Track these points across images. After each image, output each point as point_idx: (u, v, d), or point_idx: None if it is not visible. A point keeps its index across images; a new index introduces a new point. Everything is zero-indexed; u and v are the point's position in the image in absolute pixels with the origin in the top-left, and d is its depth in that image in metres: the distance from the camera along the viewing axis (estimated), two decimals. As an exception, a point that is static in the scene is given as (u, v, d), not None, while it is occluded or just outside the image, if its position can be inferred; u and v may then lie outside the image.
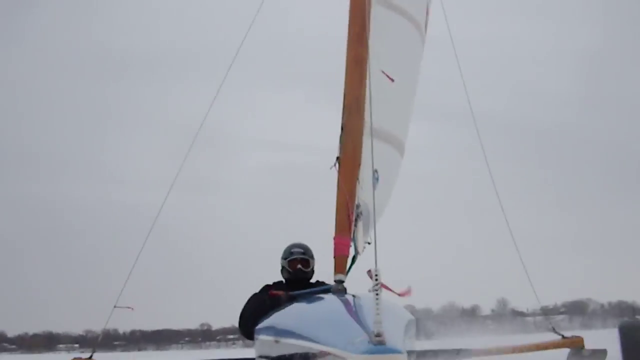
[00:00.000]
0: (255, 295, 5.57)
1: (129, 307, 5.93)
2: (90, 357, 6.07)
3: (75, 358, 6.05)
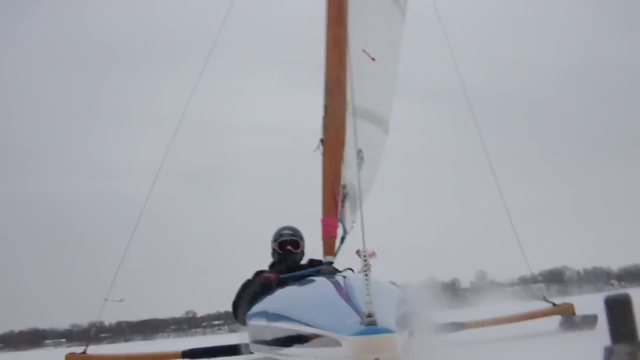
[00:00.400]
0: (247, 280, 5.57)
1: (118, 300, 5.90)
2: (84, 351, 6.05)
3: (69, 354, 6.02)
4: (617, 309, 2.70)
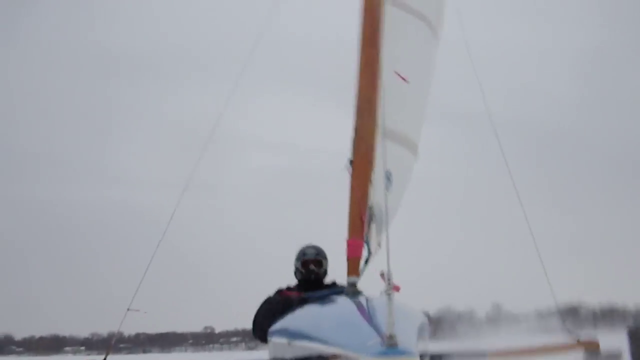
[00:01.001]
0: (268, 298, 5.57)
1: (142, 311, 5.90)
2: (104, 359, 6.05)
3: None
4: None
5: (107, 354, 6.10)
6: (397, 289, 4.64)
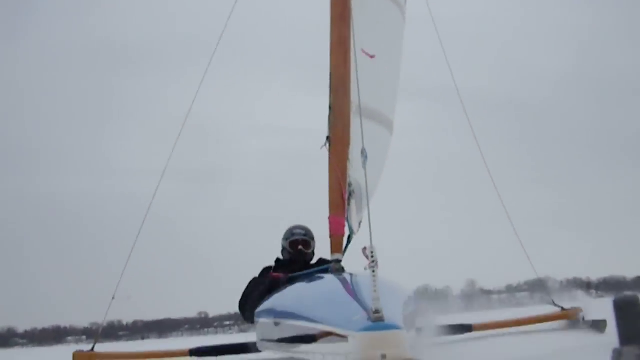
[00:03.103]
0: (254, 278, 5.52)
1: (126, 297, 5.87)
2: (92, 349, 6.02)
3: (77, 352, 6.00)
4: (626, 310, 2.61)
5: (94, 344, 6.08)
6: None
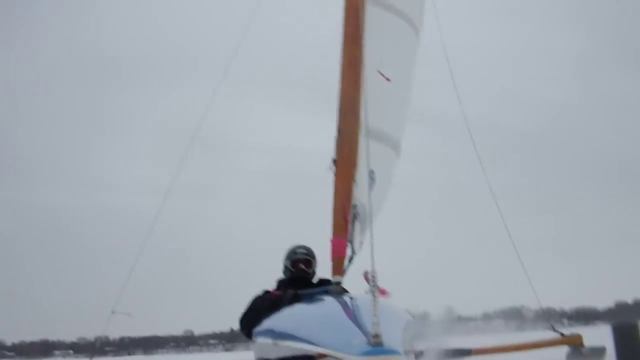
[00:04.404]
0: (257, 296, 5.46)
1: (127, 313, 5.79)
2: None
3: None
4: (625, 335, 2.59)
5: (91, 357, 5.99)
6: (384, 292, 4.55)
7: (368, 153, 4.49)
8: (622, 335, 2.47)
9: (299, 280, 5.43)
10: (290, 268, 5.53)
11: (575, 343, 5.95)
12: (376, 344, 2.87)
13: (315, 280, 5.56)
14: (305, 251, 5.58)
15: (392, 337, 3.05)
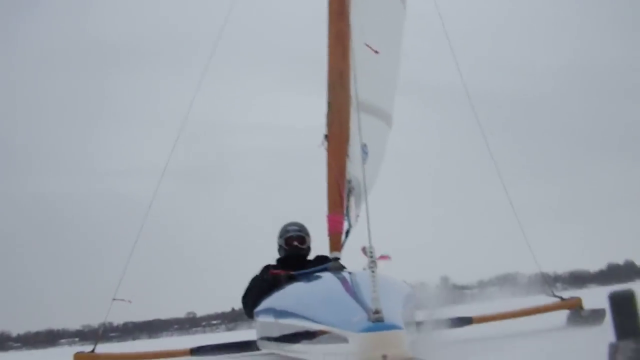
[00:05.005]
0: (256, 276, 5.46)
1: (127, 300, 5.78)
2: (93, 350, 5.96)
3: (78, 353, 5.93)
4: (622, 304, 2.55)
5: (95, 345, 5.99)
6: (385, 257, 4.52)
7: (360, 126, 4.42)
8: (619, 304, 2.45)
9: (295, 258, 5.44)
10: (284, 246, 5.55)
11: (574, 306, 5.96)
12: (377, 319, 2.80)
13: (312, 256, 5.57)
14: (297, 228, 5.61)
15: (392, 312, 3.01)
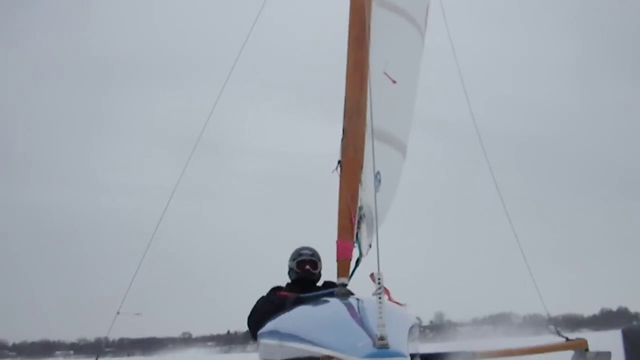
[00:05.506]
0: (262, 297, 5.42)
1: (134, 313, 5.75)
2: None
3: None
4: (634, 340, 2.54)
5: (97, 358, 5.96)
6: (387, 292, 4.50)
7: (374, 154, 4.43)
8: (632, 339, 2.43)
9: (305, 282, 5.41)
10: (296, 269, 5.50)
11: (580, 347, 5.91)
12: (382, 346, 2.83)
13: (320, 282, 5.53)
14: (310, 252, 5.56)
15: (397, 340, 3.01)
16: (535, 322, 6.39)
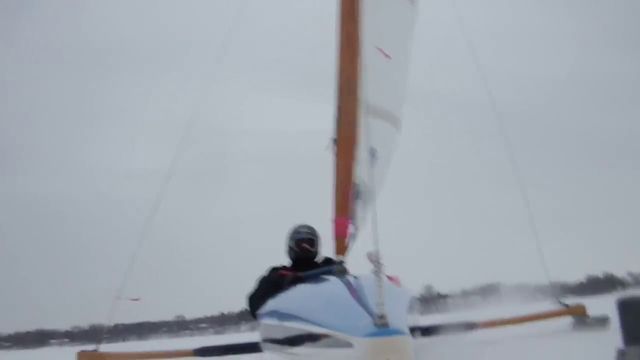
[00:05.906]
0: (263, 277, 5.40)
1: (134, 299, 5.73)
2: (96, 349, 5.93)
3: (81, 352, 5.88)
4: (630, 310, 2.54)
5: (98, 344, 5.94)
6: (392, 279, 4.48)
7: (368, 130, 4.39)
8: (627, 309, 2.44)
9: (304, 260, 5.39)
10: (294, 248, 5.47)
11: (579, 313, 5.97)
12: (382, 324, 2.80)
13: (319, 259, 5.52)
14: (308, 230, 5.53)
15: (397, 318, 2.99)
16: (529, 291, 6.39)
